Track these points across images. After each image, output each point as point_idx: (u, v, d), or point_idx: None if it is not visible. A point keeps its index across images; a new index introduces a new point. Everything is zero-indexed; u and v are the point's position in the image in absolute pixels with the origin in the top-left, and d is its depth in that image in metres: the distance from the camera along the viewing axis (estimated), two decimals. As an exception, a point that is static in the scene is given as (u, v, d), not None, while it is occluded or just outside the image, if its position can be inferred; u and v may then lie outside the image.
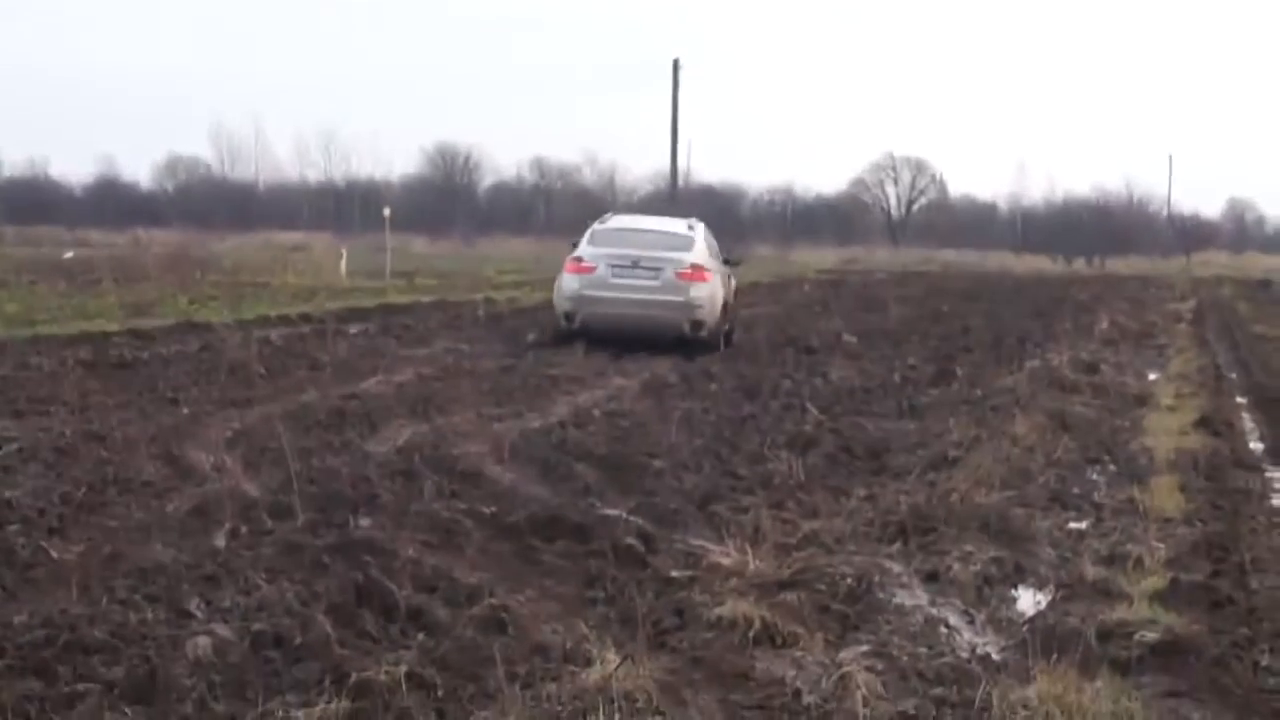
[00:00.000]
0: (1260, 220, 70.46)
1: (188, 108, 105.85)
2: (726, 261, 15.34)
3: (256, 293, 21.22)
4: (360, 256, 28.54)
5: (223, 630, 4.87)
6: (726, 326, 14.60)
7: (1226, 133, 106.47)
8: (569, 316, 13.48)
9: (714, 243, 15.25)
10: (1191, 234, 62.82)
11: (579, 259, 13.66)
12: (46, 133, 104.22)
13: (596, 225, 15.06)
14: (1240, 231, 68.02)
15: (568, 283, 13.56)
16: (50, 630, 4.70)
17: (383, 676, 4.36)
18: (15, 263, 26.89)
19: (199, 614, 5.17)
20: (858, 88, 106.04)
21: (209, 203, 56.15)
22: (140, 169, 70.35)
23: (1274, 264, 51.85)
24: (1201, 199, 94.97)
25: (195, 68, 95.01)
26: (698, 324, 13.22)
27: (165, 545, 6.03)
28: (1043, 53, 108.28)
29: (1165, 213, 63.80)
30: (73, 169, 72.47)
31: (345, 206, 51.66)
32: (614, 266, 13.29)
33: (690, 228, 14.77)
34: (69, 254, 27.98)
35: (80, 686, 4.27)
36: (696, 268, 13.43)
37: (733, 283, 15.58)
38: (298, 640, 4.79)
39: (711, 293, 13.54)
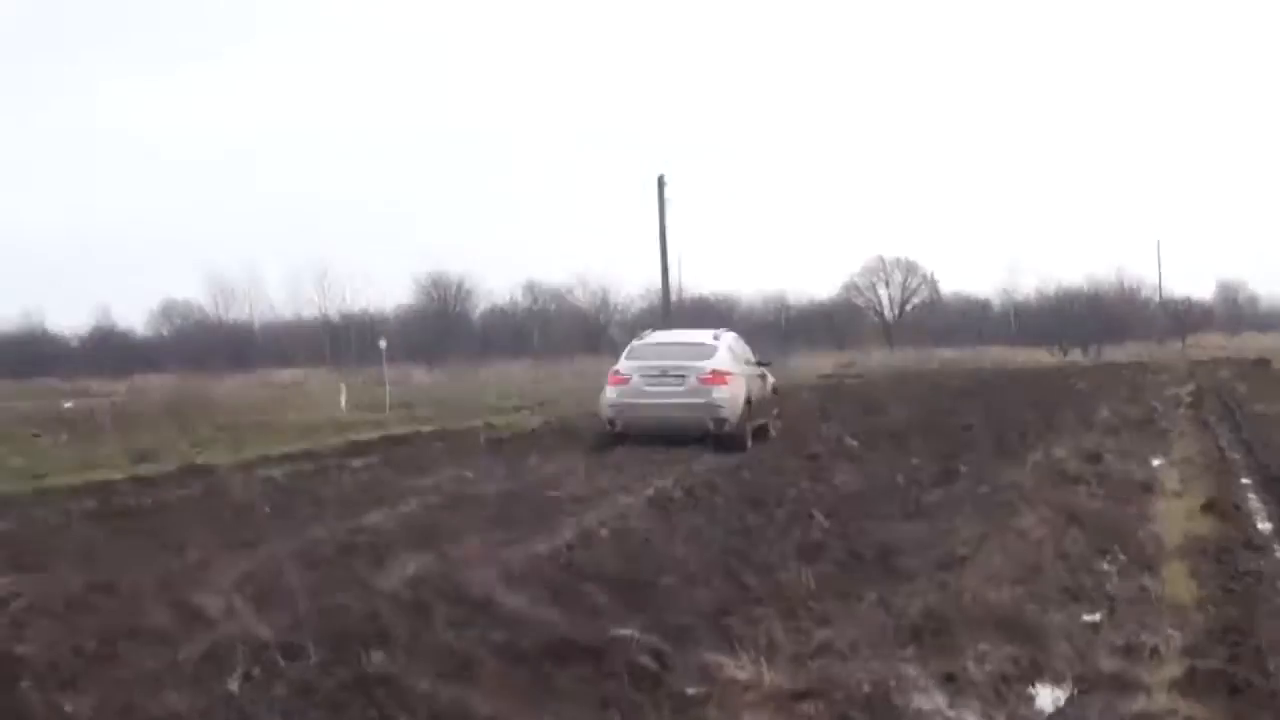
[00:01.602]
0: (1253, 299, 71.52)
1: (181, 252, 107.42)
2: (760, 364, 17.09)
3: (257, 432, 21.15)
4: (359, 390, 28.74)
5: None
6: (762, 421, 16.25)
7: (1213, 216, 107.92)
8: (611, 422, 15.24)
9: (743, 348, 16.82)
10: (1185, 317, 63.56)
11: (617, 371, 15.57)
12: (41, 285, 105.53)
13: (635, 341, 17.02)
14: (1234, 312, 68.98)
15: (608, 393, 15.37)
16: None
17: None
18: (17, 415, 26.85)
19: None
20: (845, 193, 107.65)
21: (205, 345, 56.21)
22: (135, 316, 70.65)
23: (1270, 343, 51.87)
24: (1193, 283, 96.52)
25: (187, 212, 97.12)
26: (720, 421, 14.68)
27: (179, 693, 5.94)
28: (1027, 148, 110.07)
29: (1158, 298, 64.23)
30: (68, 320, 71.85)
31: (341, 341, 52.14)
32: (645, 376, 15.05)
33: (715, 338, 16.43)
34: (69, 404, 27.92)
35: None
36: (717, 373, 14.92)
37: (769, 380, 17.31)
38: None
39: (733, 394, 14.90)
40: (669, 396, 14.84)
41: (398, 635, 6.82)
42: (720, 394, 14.78)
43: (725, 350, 15.71)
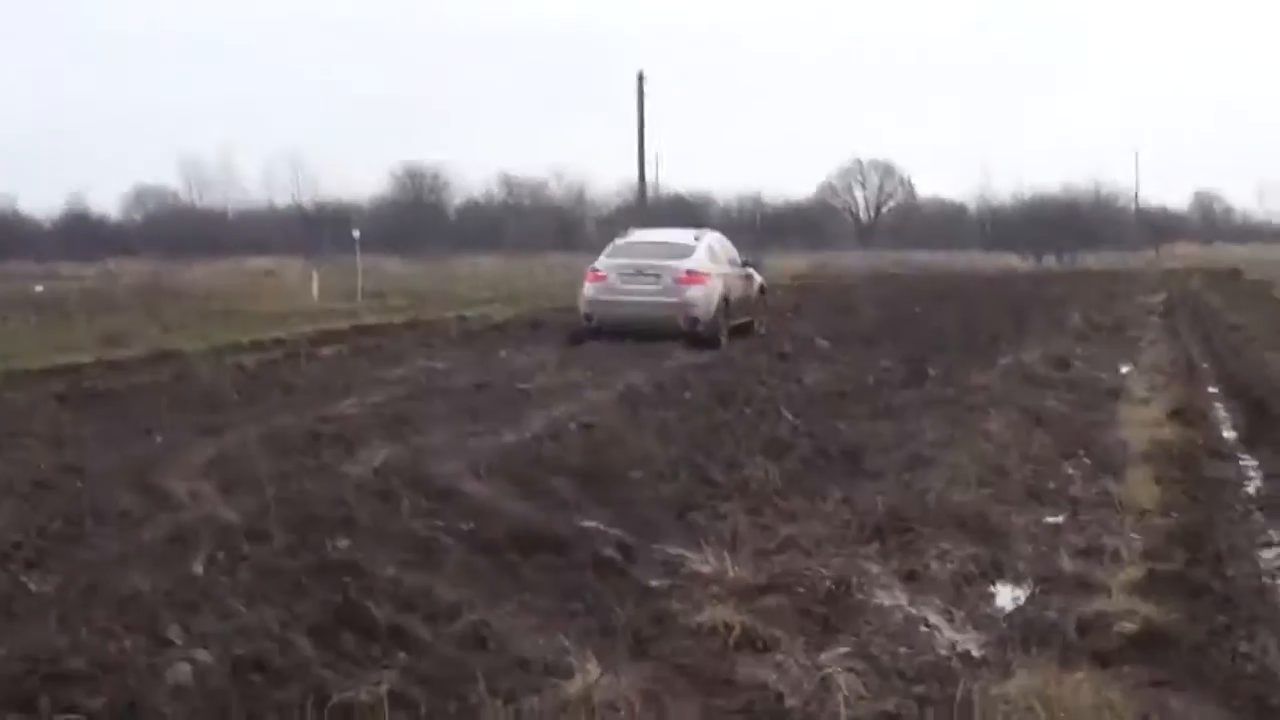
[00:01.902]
0: (1228, 211, 72.20)
1: (155, 139, 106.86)
2: (745, 264, 17.49)
3: (229, 319, 21.11)
4: (332, 279, 28.60)
5: (203, 656, 4.85)
6: (745, 320, 16.79)
7: (1192, 127, 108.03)
8: (588, 317, 15.74)
9: (726, 248, 17.12)
10: (1160, 227, 64.13)
11: (595, 269, 15.98)
12: (13, 169, 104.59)
13: (617, 240, 17.38)
14: (1209, 223, 69.47)
15: (586, 290, 15.88)
16: (30, 663, 4.65)
17: (364, 697, 4.37)
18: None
19: (178, 641, 5.11)
20: (824, 94, 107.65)
21: (178, 232, 55.93)
22: (109, 201, 71.11)
23: (1244, 254, 52.12)
24: (1169, 193, 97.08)
25: (162, 99, 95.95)
26: (693, 320, 15.04)
27: (143, 574, 5.91)
28: (1005, 53, 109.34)
29: (1133, 207, 64.62)
30: (41, 203, 71.43)
31: (315, 230, 51.26)
32: (623, 274, 15.43)
33: (696, 238, 16.74)
34: (39, 287, 27.80)
35: (62, 718, 4.26)
36: (692, 273, 15.22)
37: (755, 281, 17.79)
38: (278, 663, 4.79)
39: (707, 294, 15.26)
40: (644, 295, 15.23)
41: (363, 522, 6.85)
42: (694, 293, 15.12)
43: (704, 250, 15.97)
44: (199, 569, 6.09)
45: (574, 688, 4.46)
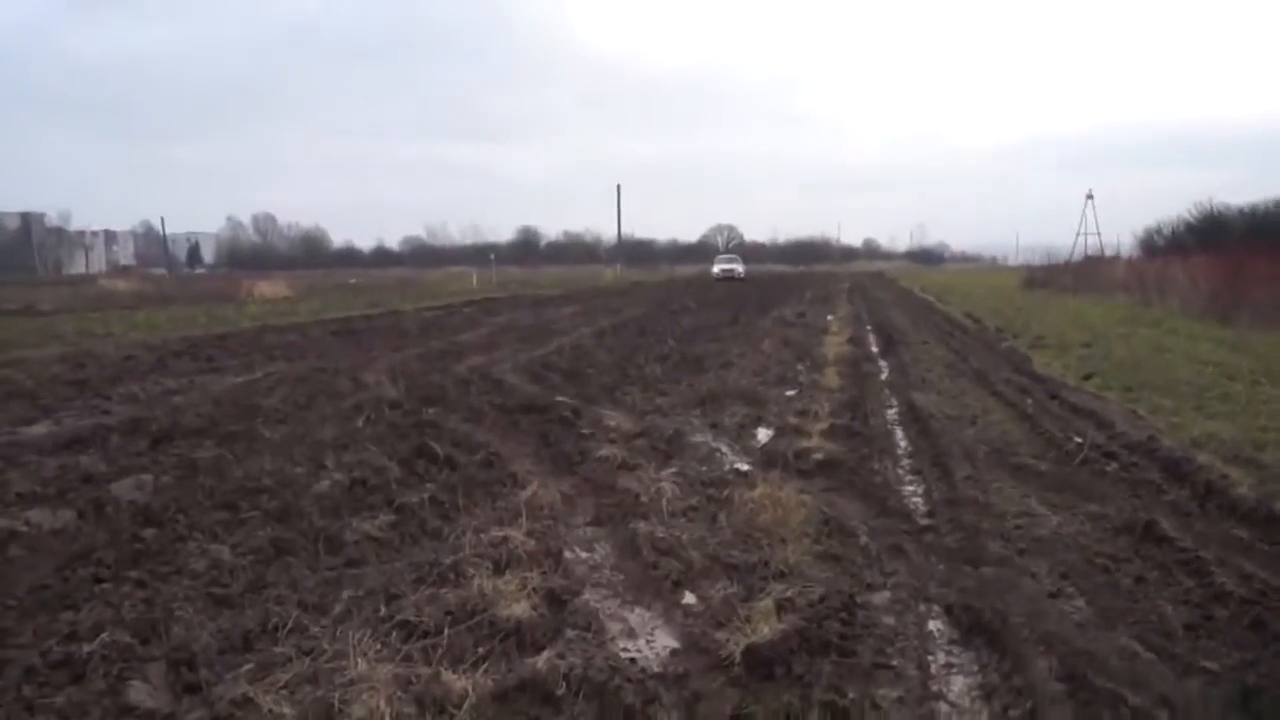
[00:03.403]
0: (874, 242, 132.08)
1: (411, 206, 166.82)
2: (745, 261, 66.43)
3: (434, 295, 35.74)
4: (483, 278, 53.41)
5: (338, 476, 6.29)
6: (740, 279, 55.62)
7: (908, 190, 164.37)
8: (716, 278, 56.99)
9: (739, 258, 66.69)
10: (848, 252, 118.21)
11: (712, 265, 65.57)
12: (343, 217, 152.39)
13: (717, 256, 70.62)
14: (871, 251, 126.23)
15: (714, 270, 62.45)
16: (245, 482, 6.29)
17: (414, 499, 5.78)
18: (313, 285, 46.17)
19: (330, 466, 6.64)
20: (709, 185, 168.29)
21: (424, 254, 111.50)
22: (395, 238, 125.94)
23: (885, 266, 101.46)
24: (888, 235, 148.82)
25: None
26: (741, 278, 56.40)
27: (331, 426, 8.16)
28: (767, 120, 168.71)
29: (840, 241, 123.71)
30: (359, 238, 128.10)
31: (482, 254, 79.14)
32: (721, 266, 62.45)
33: (738, 256, 68.26)
34: (353, 280, 52.25)
35: (248, 514, 5.63)
36: (736, 263, 63.76)
37: (744, 268, 62.52)
38: (374, 481, 6.23)
39: (743, 269, 62.06)
40: (728, 270, 59.67)
41: (450, 398, 9.62)
42: (741, 269, 61.88)
43: (739, 258, 65.88)
44: (360, 424, 8.17)
45: (526, 493, 5.96)
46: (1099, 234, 74.78)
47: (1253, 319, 18.90)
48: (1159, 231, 47.68)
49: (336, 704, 3.41)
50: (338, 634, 3.99)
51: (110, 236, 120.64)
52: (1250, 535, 5.60)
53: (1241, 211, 41.15)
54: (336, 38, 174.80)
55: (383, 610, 4.30)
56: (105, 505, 5.90)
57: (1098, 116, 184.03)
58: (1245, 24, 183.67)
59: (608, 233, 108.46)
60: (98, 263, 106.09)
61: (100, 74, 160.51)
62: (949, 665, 4.02)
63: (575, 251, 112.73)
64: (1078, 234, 75.03)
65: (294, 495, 5.91)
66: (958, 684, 3.85)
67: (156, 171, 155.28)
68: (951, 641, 4.24)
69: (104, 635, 3.97)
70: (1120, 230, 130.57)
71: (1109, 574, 5.01)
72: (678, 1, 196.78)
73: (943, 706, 3.64)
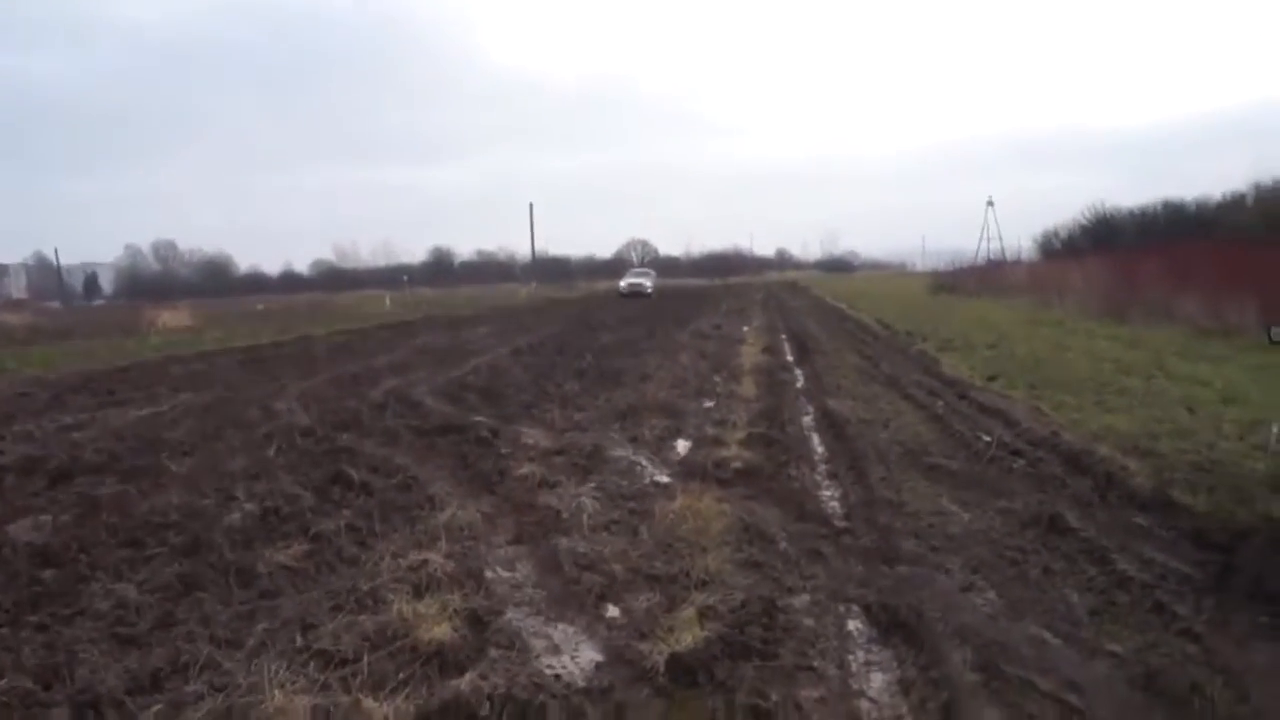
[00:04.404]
0: (786, 251, 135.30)
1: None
2: (659, 275, 65.66)
3: (344, 319, 34.95)
4: (397, 299, 52.24)
5: (249, 506, 6.24)
6: (648, 293, 53.69)
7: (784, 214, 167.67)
8: (622, 294, 54.31)
9: (652, 272, 64.57)
10: (761, 263, 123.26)
11: (620, 282, 60.50)
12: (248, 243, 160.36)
13: (630, 272, 65.51)
14: (784, 261, 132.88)
15: (621, 286, 58.63)
16: (151, 517, 6.11)
17: (330, 526, 5.70)
18: (219, 313, 43.65)
19: (241, 497, 6.56)
20: (619, 200, 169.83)
21: (338, 279, 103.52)
22: (304, 262, 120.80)
23: (798, 275, 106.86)
24: (801, 245, 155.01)
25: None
26: (648, 293, 53.22)
27: (241, 457, 8.01)
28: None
29: (753, 252, 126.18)
30: (265, 262, 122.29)
31: (395, 276, 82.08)
32: (629, 281, 58.61)
33: (649, 270, 65.48)
34: (260, 306, 50.56)
35: (155, 550, 5.45)
36: (647, 277, 60.13)
37: (655, 280, 60.41)
38: (287, 510, 6.12)
39: (653, 284, 57.11)
40: (636, 284, 56.27)
41: (364, 423, 9.59)
42: (650, 284, 57.65)
43: (650, 273, 62.93)
44: (271, 453, 8.04)
45: (445, 515, 5.92)
46: (1000, 239, 77.24)
47: (1145, 316, 19.73)
48: (1056, 235, 49.48)
49: (252, 739, 3.31)
50: (252, 667, 3.89)
51: (0, 269, 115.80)
52: (1149, 522, 5.84)
53: (1132, 214, 42.98)
54: (232, 62, 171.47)
55: (299, 641, 4.22)
56: (1, 547, 5.69)
57: (996, 122, 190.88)
58: (1130, 36, 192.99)
59: (522, 250, 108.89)
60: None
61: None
62: (868, 663, 4.09)
63: (490, 270, 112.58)
64: (980, 239, 77.38)
65: (203, 528, 5.81)
66: (877, 680, 3.93)
67: (48, 202, 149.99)
68: (870, 640, 4.32)
69: (2, 681, 3.82)
70: (1021, 234, 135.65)
71: (1017, 566, 5.16)
72: (580, 19, 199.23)
73: (863, 704, 3.70)
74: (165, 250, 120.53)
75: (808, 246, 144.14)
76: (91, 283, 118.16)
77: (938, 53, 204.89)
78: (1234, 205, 37.01)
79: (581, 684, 3.89)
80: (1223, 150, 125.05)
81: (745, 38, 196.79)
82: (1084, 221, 46.17)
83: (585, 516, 5.91)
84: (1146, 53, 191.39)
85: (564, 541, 5.55)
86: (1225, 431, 8.21)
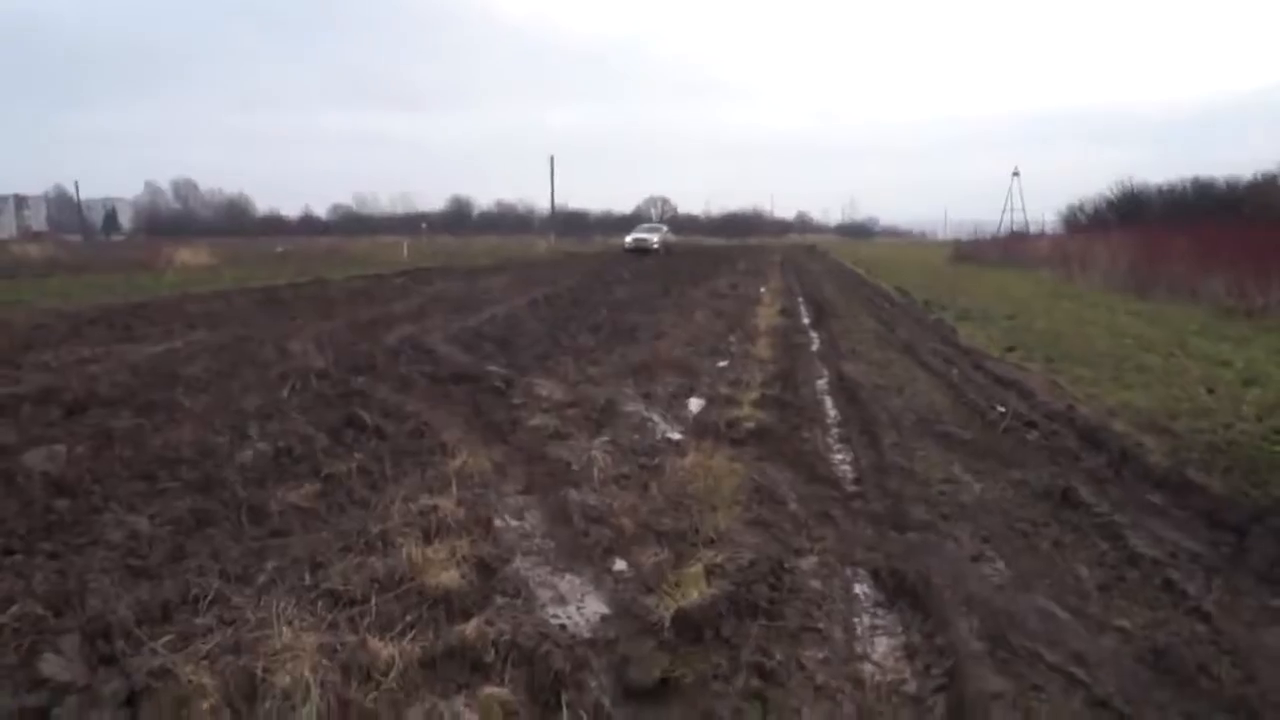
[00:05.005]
0: (807, 215, 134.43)
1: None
2: (670, 232, 57.25)
3: (363, 265, 34.85)
4: (415, 247, 51.21)
5: (262, 446, 6.19)
6: (666, 253, 48.97)
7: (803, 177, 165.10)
8: (627, 249, 50.49)
9: (666, 228, 58.68)
10: (781, 225, 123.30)
11: (629, 236, 54.02)
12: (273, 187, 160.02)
13: (638, 227, 58.26)
14: (804, 224, 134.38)
15: (626, 240, 53.15)
16: (160, 450, 6.12)
17: (342, 468, 5.65)
18: (237, 253, 43.23)
19: (254, 436, 6.53)
20: (639, 161, 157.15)
21: (353, 224, 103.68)
22: (323, 206, 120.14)
23: (817, 239, 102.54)
24: (821, 210, 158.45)
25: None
26: (654, 249, 49.47)
27: (254, 395, 7.97)
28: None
29: (773, 214, 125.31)
30: (289, 206, 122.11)
31: (414, 224, 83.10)
32: (634, 236, 53.15)
33: (662, 226, 60.03)
34: (280, 248, 48.01)
35: (167, 484, 5.45)
36: (656, 233, 54.60)
37: (672, 237, 56.14)
38: (300, 450, 6.09)
39: (663, 240, 52.45)
40: (643, 240, 51.74)
41: (378, 367, 9.51)
42: (657, 239, 52.06)
43: (662, 227, 57.52)
44: (285, 394, 7.98)
45: (456, 462, 5.90)
46: (1024, 210, 76.40)
47: (1168, 292, 19.53)
48: (1081, 209, 48.93)
49: (259, 673, 3.35)
50: (261, 604, 3.92)
51: (20, 201, 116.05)
52: (1163, 500, 5.79)
53: (1160, 190, 42.41)
54: (249, 6, 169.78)
55: (308, 579, 4.24)
56: (15, 476, 5.70)
57: (1021, 97, 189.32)
58: (1160, 14, 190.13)
59: (541, 203, 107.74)
60: (8, 228, 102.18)
61: (6, 34, 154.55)
62: (874, 627, 4.09)
63: (509, 221, 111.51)
64: (1004, 210, 76.53)
65: (216, 465, 5.80)
66: (882, 645, 3.92)
67: (70, 135, 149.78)
68: (876, 604, 4.32)
69: (14, 607, 3.84)
70: (1045, 207, 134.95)
71: (1028, 538, 5.14)
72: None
73: (867, 667, 3.70)
74: (185, 189, 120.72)
75: (828, 211, 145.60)
76: (110, 218, 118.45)
77: (967, 27, 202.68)
78: (1265, 186, 36.43)
79: (586, 635, 3.90)
80: (1253, 129, 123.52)
81: (777, 7, 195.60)
82: (1111, 196, 45.60)
83: (596, 470, 5.88)
84: (1177, 32, 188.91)
85: (574, 494, 5.53)
86: (1244, 413, 8.12)
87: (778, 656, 3.65)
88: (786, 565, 4.57)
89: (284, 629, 3.61)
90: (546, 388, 8.45)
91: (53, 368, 9.98)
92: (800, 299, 20.46)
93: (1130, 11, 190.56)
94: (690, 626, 3.86)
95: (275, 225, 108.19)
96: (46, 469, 5.80)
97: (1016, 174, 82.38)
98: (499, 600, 4.14)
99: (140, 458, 6.10)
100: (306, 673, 3.31)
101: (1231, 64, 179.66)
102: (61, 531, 4.88)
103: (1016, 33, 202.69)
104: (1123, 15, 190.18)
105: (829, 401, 8.83)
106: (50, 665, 3.43)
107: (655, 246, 50.25)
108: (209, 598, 4.01)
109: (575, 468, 5.97)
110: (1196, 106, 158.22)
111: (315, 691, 3.22)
